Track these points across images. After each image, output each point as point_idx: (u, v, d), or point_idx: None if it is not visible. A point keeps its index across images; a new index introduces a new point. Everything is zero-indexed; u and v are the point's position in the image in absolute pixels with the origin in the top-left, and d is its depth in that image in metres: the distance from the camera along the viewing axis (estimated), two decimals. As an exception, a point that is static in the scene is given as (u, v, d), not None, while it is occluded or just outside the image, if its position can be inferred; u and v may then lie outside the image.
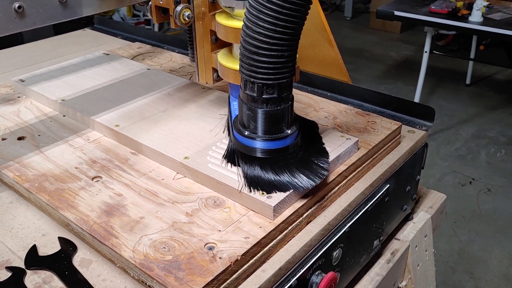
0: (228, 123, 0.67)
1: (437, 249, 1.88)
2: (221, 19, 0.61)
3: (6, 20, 0.57)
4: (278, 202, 0.54)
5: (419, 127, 0.81)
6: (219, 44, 0.67)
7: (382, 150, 0.71)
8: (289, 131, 0.55)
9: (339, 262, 0.63)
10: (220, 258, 0.49)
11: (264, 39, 0.48)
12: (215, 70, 0.69)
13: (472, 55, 3.26)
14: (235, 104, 0.64)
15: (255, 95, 0.52)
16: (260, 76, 0.51)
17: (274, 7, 0.47)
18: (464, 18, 2.43)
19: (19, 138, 0.72)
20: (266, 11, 0.47)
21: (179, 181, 0.62)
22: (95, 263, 0.54)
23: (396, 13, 2.53)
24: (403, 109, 0.84)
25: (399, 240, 0.81)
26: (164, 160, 0.65)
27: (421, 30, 4.23)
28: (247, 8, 0.49)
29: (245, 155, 0.57)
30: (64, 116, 0.78)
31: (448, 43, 3.84)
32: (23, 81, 0.87)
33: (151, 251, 0.50)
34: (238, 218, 0.55)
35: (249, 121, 0.55)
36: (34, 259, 0.54)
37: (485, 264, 1.85)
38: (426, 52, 2.66)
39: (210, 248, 0.51)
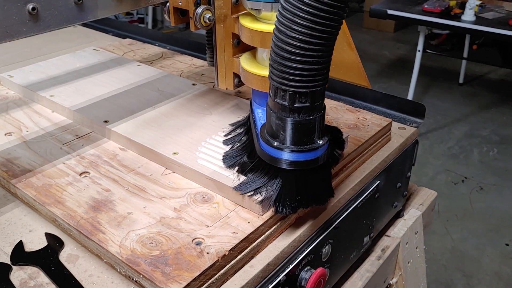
0: (243, 130, 0.65)
1: (430, 248, 1.88)
2: (246, 22, 0.57)
3: (19, 22, 0.54)
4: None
5: (409, 124, 0.81)
6: (241, 47, 0.63)
7: (372, 146, 0.71)
8: (320, 142, 0.51)
9: (328, 258, 0.62)
10: (207, 253, 0.49)
11: (298, 44, 0.44)
12: (236, 75, 0.65)
13: (465, 54, 3.27)
14: (259, 112, 0.61)
15: (287, 104, 0.48)
16: (293, 84, 0.47)
17: (311, 10, 0.43)
18: (457, 17, 2.44)
19: (7, 134, 0.71)
20: (302, 14, 0.43)
21: (167, 176, 0.62)
22: (82, 259, 0.53)
23: (389, 11, 2.54)
24: (394, 106, 0.84)
25: (389, 237, 0.81)
26: (153, 156, 0.64)
27: (414, 29, 4.24)
28: (279, 11, 0.45)
29: (270, 167, 0.53)
30: (53, 112, 0.78)
31: (442, 42, 3.86)
32: (11, 76, 0.86)
33: (138, 246, 0.50)
34: (227, 213, 0.55)
35: (278, 131, 0.51)
36: (20, 254, 0.53)
37: (477, 262, 1.86)
38: (419, 51, 2.67)
39: (198, 243, 0.50)
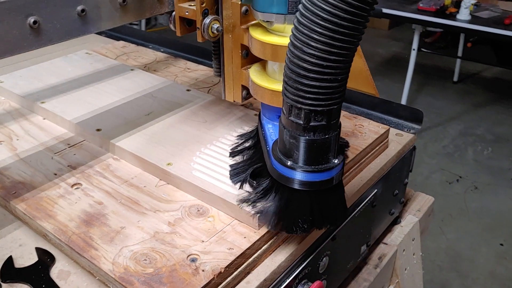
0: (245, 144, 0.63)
1: (424, 248, 1.87)
2: (256, 34, 0.54)
3: (20, 37, 0.51)
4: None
5: (407, 130, 0.80)
6: (250, 59, 0.61)
7: (369, 154, 0.70)
8: (336, 161, 0.49)
9: (326, 270, 0.61)
10: (203, 270, 0.48)
11: (316, 61, 0.42)
12: (244, 88, 0.62)
13: (459, 53, 3.27)
14: (269, 127, 0.58)
15: (301, 122, 0.46)
16: (309, 102, 0.44)
17: (330, 25, 0.40)
18: (452, 16, 2.44)
19: (-3, 143, 0.70)
20: (320, 30, 0.40)
21: (161, 188, 0.60)
22: (73, 275, 0.52)
23: (385, 10, 2.53)
24: (391, 111, 0.83)
25: (386, 244, 0.80)
26: (146, 166, 0.63)
27: (409, 26, 4.22)
28: (295, 26, 0.42)
29: (283, 186, 0.51)
30: (44, 119, 0.76)
31: (436, 40, 3.85)
32: (1, 82, 0.84)
33: (131, 263, 0.49)
34: (222, 227, 0.54)
35: (291, 149, 0.48)
36: (9, 271, 0.52)
37: (472, 262, 1.86)
38: (414, 49, 2.67)
39: (193, 260, 0.49)
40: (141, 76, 0.87)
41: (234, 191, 0.56)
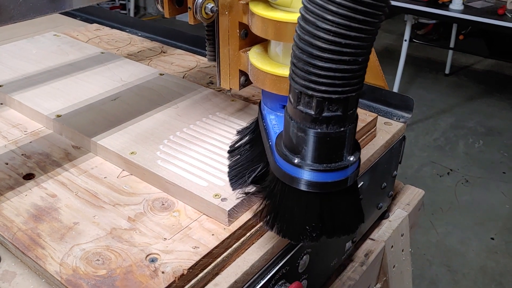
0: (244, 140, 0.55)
1: (414, 242, 1.84)
2: (258, 9, 0.47)
3: None
4: (234, 206, 0.47)
5: (396, 118, 0.74)
6: (249, 40, 0.53)
7: (355, 144, 0.65)
8: (351, 159, 0.42)
9: (306, 269, 0.56)
10: (162, 272, 0.42)
11: (332, 38, 0.35)
12: (242, 73, 0.55)
13: (451, 45, 3.23)
14: (272, 119, 0.51)
15: (313, 112, 0.39)
16: (323, 88, 0.37)
17: None
18: (445, 6, 2.39)
19: None
20: (339, 0, 0.34)
21: (124, 179, 0.54)
22: (19, 277, 0.46)
23: (376, 0, 2.47)
24: (379, 99, 0.77)
25: (373, 240, 0.75)
26: (108, 155, 0.57)
27: (401, 18, 4.19)
28: None
29: (288, 187, 0.43)
30: (1, 104, 0.69)
31: (428, 32, 3.81)
32: (-42, 64, 0.77)
33: (82, 264, 0.43)
34: (188, 223, 0.48)
35: (299, 144, 0.41)
36: None
37: (463, 256, 1.83)
38: (405, 40, 2.62)
39: (152, 260, 0.43)
40: (111, 59, 0.80)
41: (203, 183, 0.50)
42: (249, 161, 0.52)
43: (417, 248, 1.84)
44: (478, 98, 3.03)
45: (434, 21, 3.69)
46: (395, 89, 2.78)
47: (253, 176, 0.50)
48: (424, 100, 2.97)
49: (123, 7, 4.48)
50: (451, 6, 2.36)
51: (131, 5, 4.43)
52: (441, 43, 3.63)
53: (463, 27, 3.51)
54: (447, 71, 3.31)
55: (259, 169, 0.50)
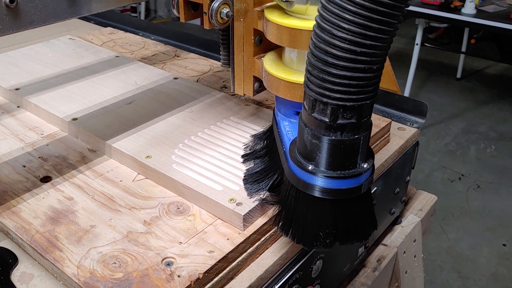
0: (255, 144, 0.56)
1: (425, 247, 1.82)
2: (273, 16, 0.47)
3: None
4: (249, 211, 0.47)
5: (410, 124, 0.74)
6: (263, 46, 0.53)
7: (369, 149, 0.65)
8: (365, 166, 0.42)
9: (319, 274, 0.56)
10: (178, 276, 0.42)
11: (348, 46, 0.35)
12: (256, 79, 0.55)
13: (463, 49, 3.21)
14: (286, 125, 0.51)
15: (327, 119, 0.39)
16: (338, 96, 0.37)
17: (367, 3, 0.33)
18: (457, 10, 2.38)
19: (-36, 132, 0.64)
20: (355, 9, 0.34)
21: (139, 183, 0.55)
22: (37, 279, 0.46)
23: (387, 3, 2.47)
24: (393, 104, 0.77)
25: (386, 246, 0.75)
26: (123, 159, 0.57)
27: (412, 22, 4.17)
28: (323, 4, 0.36)
29: (302, 194, 0.44)
30: (18, 107, 0.70)
31: (439, 36, 3.79)
32: (-24, 67, 0.78)
33: (99, 267, 0.43)
34: (203, 228, 0.48)
35: (313, 151, 0.42)
36: (-35, 273, 0.46)
37: (474, 263, 1.81)
38: (417, 44, 2.61)
39: (168, 264, 0.44)
40: (126, 62, 0.81)
41: (218, 187, 0.51)
42: (266, 167, 0.52)
43: (428, 254, 1.83)
44: (490, 103, 3.01)
45: (445, 25, 3.67)
46: (406, 93, 2.77)
47: (270, 184, 0.50)
48: (435, 104, 2.95)
49: (134, 9, 4.51)
50: (463, 10, 2.35)
51: (142, 8, 4.46)
52: (452, 47, 3.61)
53: (474, 31, 3.48)
54: (458, 75, 3.29)
55: (275, 176, 0.50)
